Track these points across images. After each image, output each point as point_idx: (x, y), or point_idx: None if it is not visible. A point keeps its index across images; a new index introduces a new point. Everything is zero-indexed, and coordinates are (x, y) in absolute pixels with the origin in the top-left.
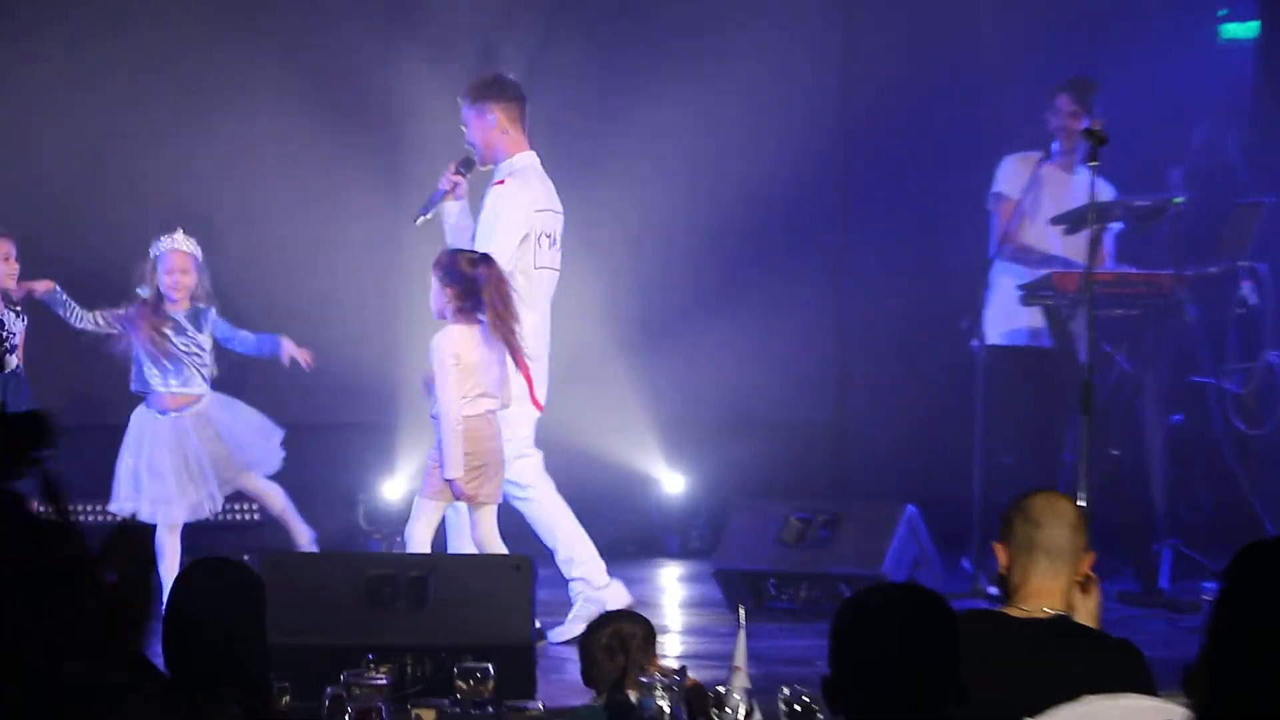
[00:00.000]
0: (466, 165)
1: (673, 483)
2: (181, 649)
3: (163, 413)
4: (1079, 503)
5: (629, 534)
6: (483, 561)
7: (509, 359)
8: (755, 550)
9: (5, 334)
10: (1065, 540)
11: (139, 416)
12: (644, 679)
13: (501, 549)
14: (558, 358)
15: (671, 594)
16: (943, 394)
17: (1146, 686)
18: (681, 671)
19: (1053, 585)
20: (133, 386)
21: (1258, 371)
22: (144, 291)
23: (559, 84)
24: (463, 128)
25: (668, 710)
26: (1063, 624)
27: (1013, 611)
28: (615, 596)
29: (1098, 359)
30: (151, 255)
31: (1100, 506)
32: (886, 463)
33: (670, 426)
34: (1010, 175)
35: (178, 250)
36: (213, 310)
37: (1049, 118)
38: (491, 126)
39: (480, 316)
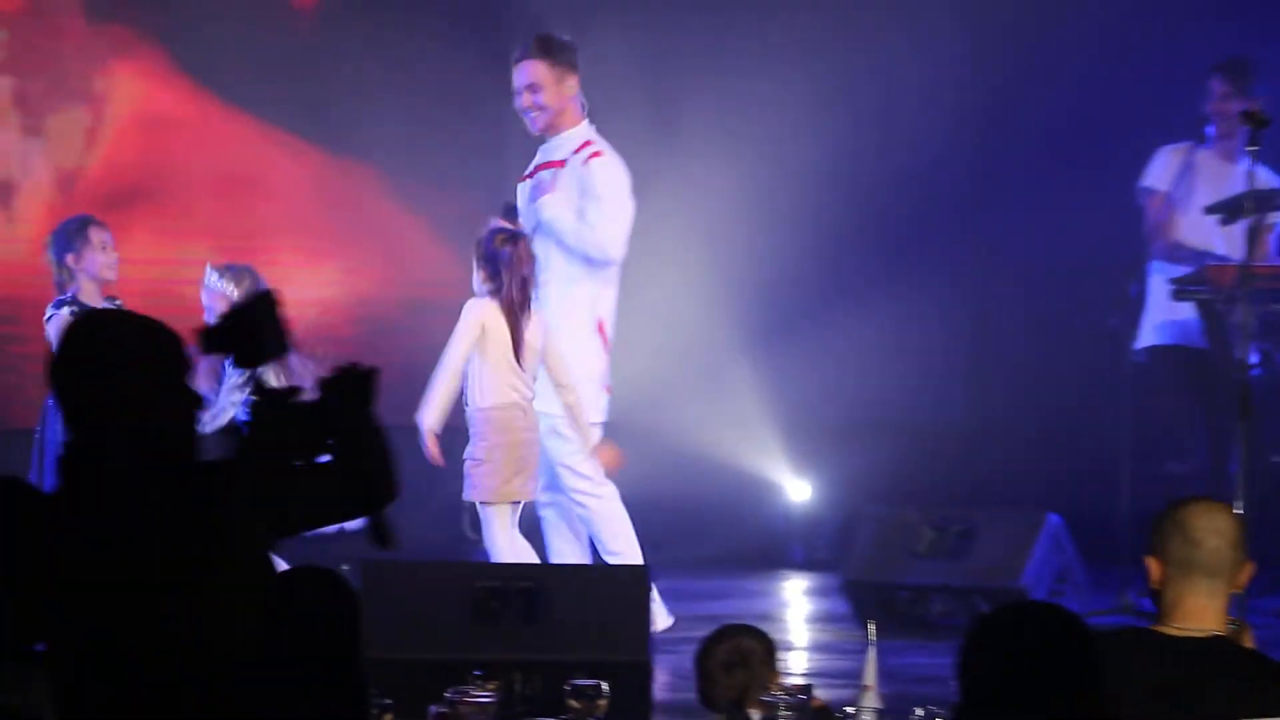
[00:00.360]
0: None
1: (798, 489)
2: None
3: None
4: (1236, 512)
5: (751, 544)
6: (596, 572)
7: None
8: (886, 561)
9: None
10: (1225, 557)
11: None
12: (766, 698)
13: (530, 554)
14: (672, 355)
15: (796, 608)
16: (1086, 395)
17: None
18: (806, 690)
19: (1211, 604)
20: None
21: None
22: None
23: (677, 62)
24: (523, 90)
25: None
26: (1222, 645)
27: (1168, 630)
28: (660, 615)
29: (1257, 358)
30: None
31: (1260, 516)
32: (1026, 468)
33: (795, 429)
34: (1160, 167)
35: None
36: None
37: (1203, 103)
38: (569, 92)
39: (512, 295)
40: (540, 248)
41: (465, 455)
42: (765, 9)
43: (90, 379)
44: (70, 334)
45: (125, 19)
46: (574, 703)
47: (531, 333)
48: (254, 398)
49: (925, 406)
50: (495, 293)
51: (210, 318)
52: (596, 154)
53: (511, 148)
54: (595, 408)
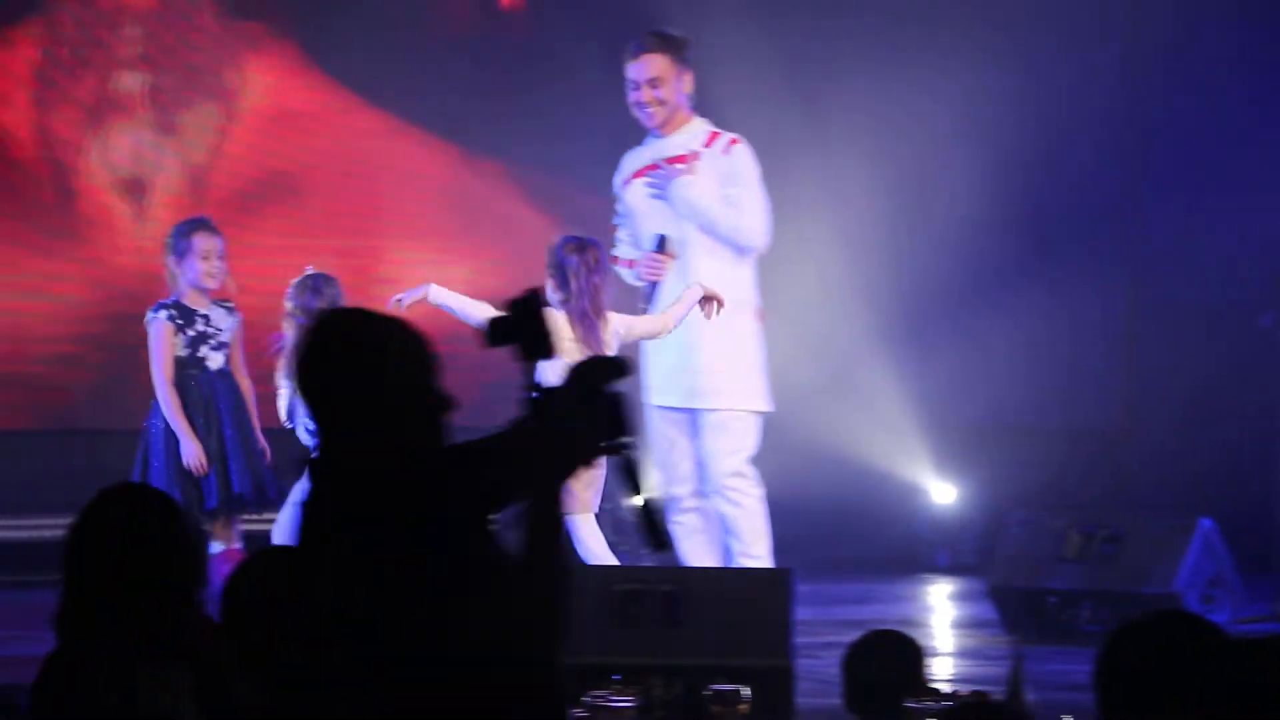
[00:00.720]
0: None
1: (943, 493)
2: None
3: None
4: None
5: (895, 547)
6: (739, 575)
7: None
8: (1033, 566)
9: (211, 330)
10: None
11: None
12: (912, 704)
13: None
14: (813, 355)
15: (941, 612)
16: (1238, 397)
17: None
18: (952, 696)
19: None
20: None
21: None
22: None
23: (824, 64)
24: (643, 84)
25: None
26: None
27: None
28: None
29: None
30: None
31: None
32: (1176, 471)
33: (939, 431)
34: None
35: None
36: None
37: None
38: (686, 88)
39: (582, 304)
40: (680, 232)
41: None
42: (916, 13)
43: (343, 380)
44: (318, 332)
45: (258, 14)
46: (714, 707)
47: (607, 340)
48: (533, 393)
49: (1072, 408)
50: (564, 302)
51: (292, 324)
52: (735, 140)
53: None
54: (762, 397)
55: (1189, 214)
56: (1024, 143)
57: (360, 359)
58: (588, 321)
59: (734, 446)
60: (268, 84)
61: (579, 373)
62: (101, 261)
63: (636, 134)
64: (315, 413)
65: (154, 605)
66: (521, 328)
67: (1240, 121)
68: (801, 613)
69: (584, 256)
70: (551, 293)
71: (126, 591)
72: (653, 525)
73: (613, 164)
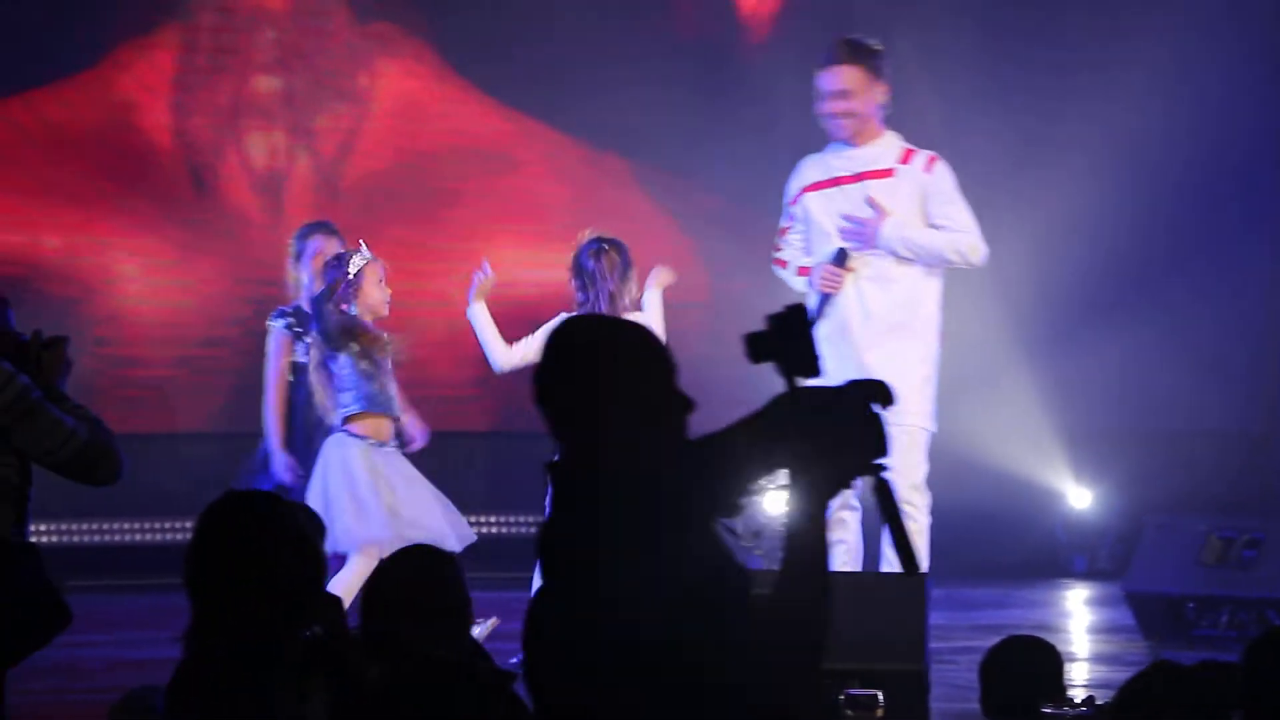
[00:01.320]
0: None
1: (1079, 497)
2: None
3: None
4: None
5: (1032, 552)
6: (876, 580)
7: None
8: (1172, 571)
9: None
10: None
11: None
12: (1051, 710)
13: None
14: (950, 361)
15: (1078, 618)
16: None
17: None
18: (1089, 702)
19: None
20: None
21: None
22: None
23: (969, 68)
24: (833, 95)
25: None
26: None
27: None
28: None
29: None
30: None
31: None
32: None
33: (1075, 436)
34: None
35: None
36: None
37: None
38: (879, 99)
39: (599, 307)
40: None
41: None
42: (1062, 23)
43: (580, 385)
44: (557, 338)
45: (391, 16)
46: (849, 712)
47: None
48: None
49: (1212, 412)
50: (582, 305)
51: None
52: (934, 158)
53: (773, 146)
54: (928, 414)
55: None
56: (1168, 148)
57: (607, 360)
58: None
59: (916, 462)
60: (400, 85)
61: (860, 392)
62: (240, 260)
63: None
64: (556, 411)
65: (284, 610)
66: (785, 344)
67: None
68: (936, 618)
69: (600, 262)
70: (577, 299)
71: (256, 598)
72: (906, 548)
73: (740, 169)
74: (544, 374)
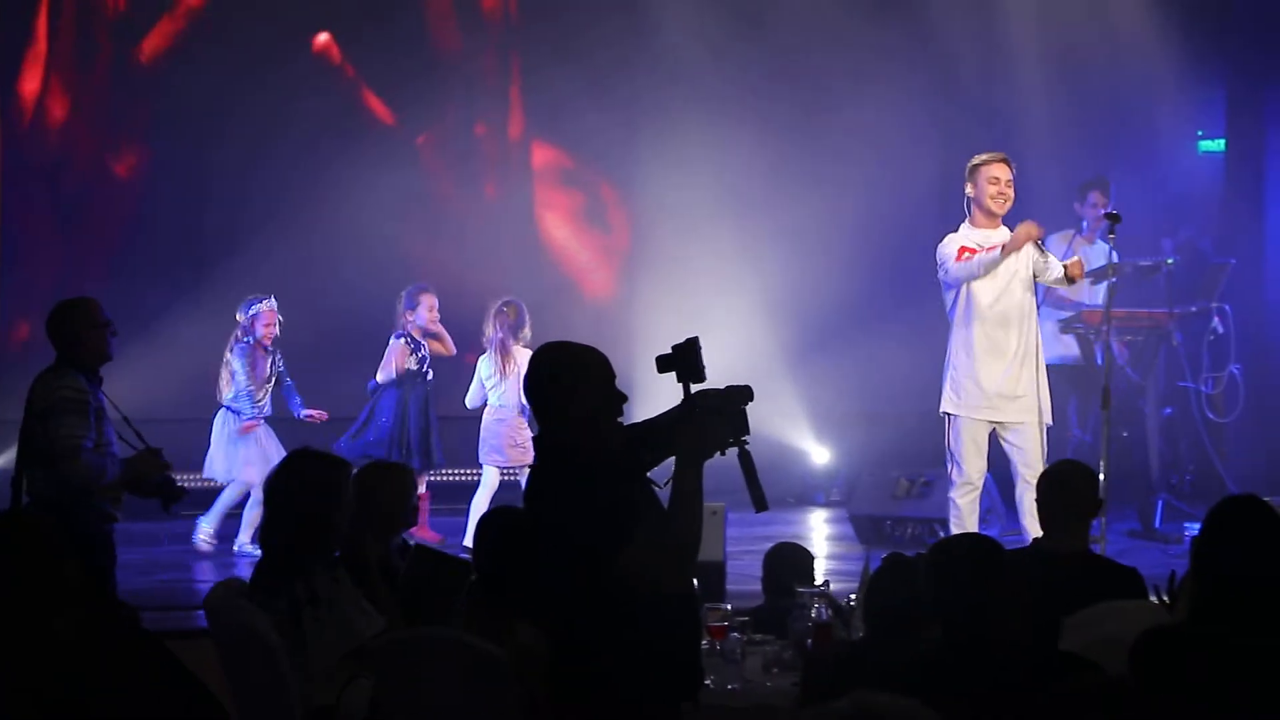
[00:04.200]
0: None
1: (820, 454)
2: None
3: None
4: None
5: (792, 489)
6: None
7: None
8: (877, 501)
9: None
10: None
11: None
12: (802, 589)
13: None
14: (743, 363)
15: (820, 531)
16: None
17: (1143, 595)
18: (825, 584)
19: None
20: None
21: (1224, 379)
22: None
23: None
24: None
25: (813, 614)
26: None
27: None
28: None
29: (1113, 370)
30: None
31: (1114, 471)
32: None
33: (819, 412)
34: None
35: (273, 309)
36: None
37: (1082, 206)
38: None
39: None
40: None
41: None
42: (831, 42)
43: (549, 387)
44: (536, 358)
45: None
46: None
47: (510, 371)
48: (690, 403)
49: (909, 399)
50: (489, 340)
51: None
52: None
53: None
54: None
55: None
56: (901, 179)
57: (569, 374)
58: (504, 358)
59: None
60: None
61: (725, 393)
62: None
63: None
64: (538, 408)
65: (325, 527)
66: (680, 362)
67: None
68: (733, 531)
69: (498, 317)
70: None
71: (309, 519)
72: (756, 492)
73: None
74: (529, 381)
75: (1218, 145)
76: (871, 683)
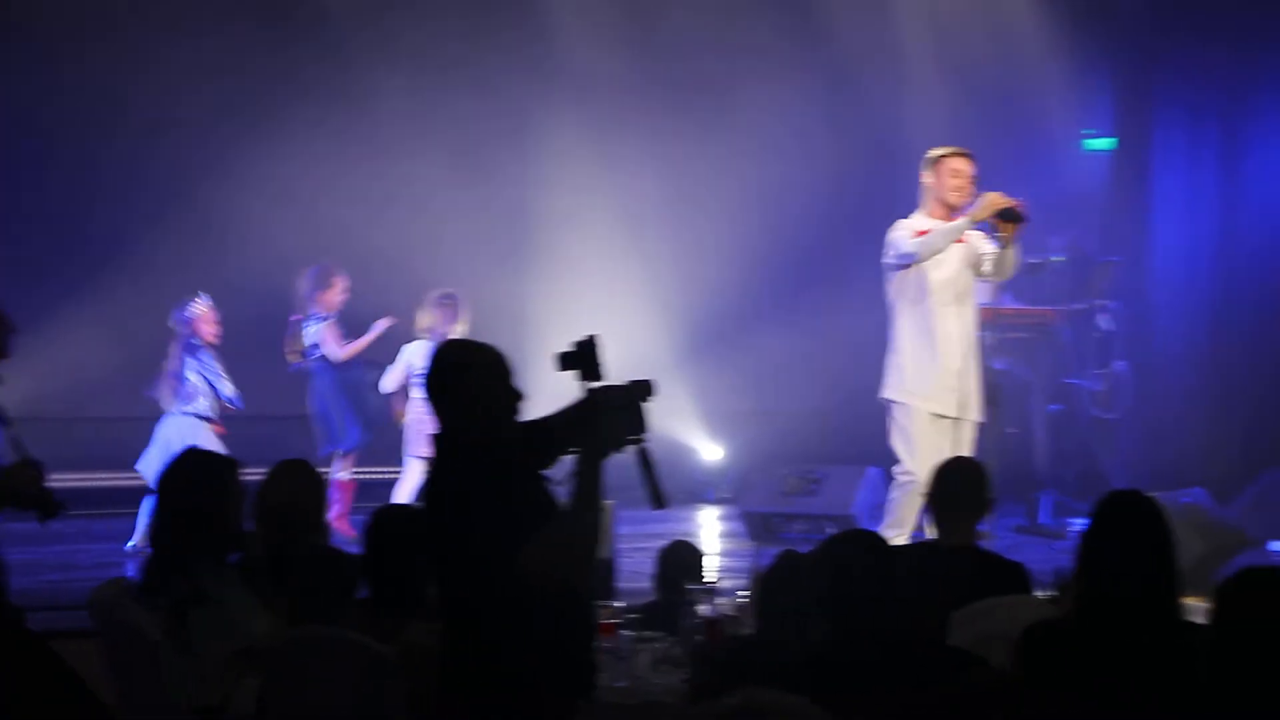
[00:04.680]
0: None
1: (712, 452)
2: None
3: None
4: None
5: (683, 486)
6: None
7: None
8: (767, 497)
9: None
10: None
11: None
12: (692, 585)
13: None
14: (636, 362)
15: (710, 527)
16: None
17: (1029, 590)
18: (715, 580)
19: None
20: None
21: (1110, 376)
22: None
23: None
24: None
25: (703, 610)
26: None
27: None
28: None
29: (1001, 367)
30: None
31: (1002, 467)
32: (860, 436)
33: (711, 412)
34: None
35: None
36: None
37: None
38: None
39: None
40: None
41: None
42: (723, 47)
43: (442, 385)
44: (435, 356)
45: None
46: None
47: None
48: (591, 400)
49: (796, 397)
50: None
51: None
52: None
53: None
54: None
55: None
56: (797, 183)
57: (470, 371)
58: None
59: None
60: None
61: (626, 389)
62: None
63: None
64: (438, 404)
65: (213, 526)
66: (580, 360)
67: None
68: (620, 529)
69: (438, 308)
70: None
71: (197, 517)
72: (654, 490)
73: None
74: (428, 378)
75: (1104, 144)
76: (761, 679)
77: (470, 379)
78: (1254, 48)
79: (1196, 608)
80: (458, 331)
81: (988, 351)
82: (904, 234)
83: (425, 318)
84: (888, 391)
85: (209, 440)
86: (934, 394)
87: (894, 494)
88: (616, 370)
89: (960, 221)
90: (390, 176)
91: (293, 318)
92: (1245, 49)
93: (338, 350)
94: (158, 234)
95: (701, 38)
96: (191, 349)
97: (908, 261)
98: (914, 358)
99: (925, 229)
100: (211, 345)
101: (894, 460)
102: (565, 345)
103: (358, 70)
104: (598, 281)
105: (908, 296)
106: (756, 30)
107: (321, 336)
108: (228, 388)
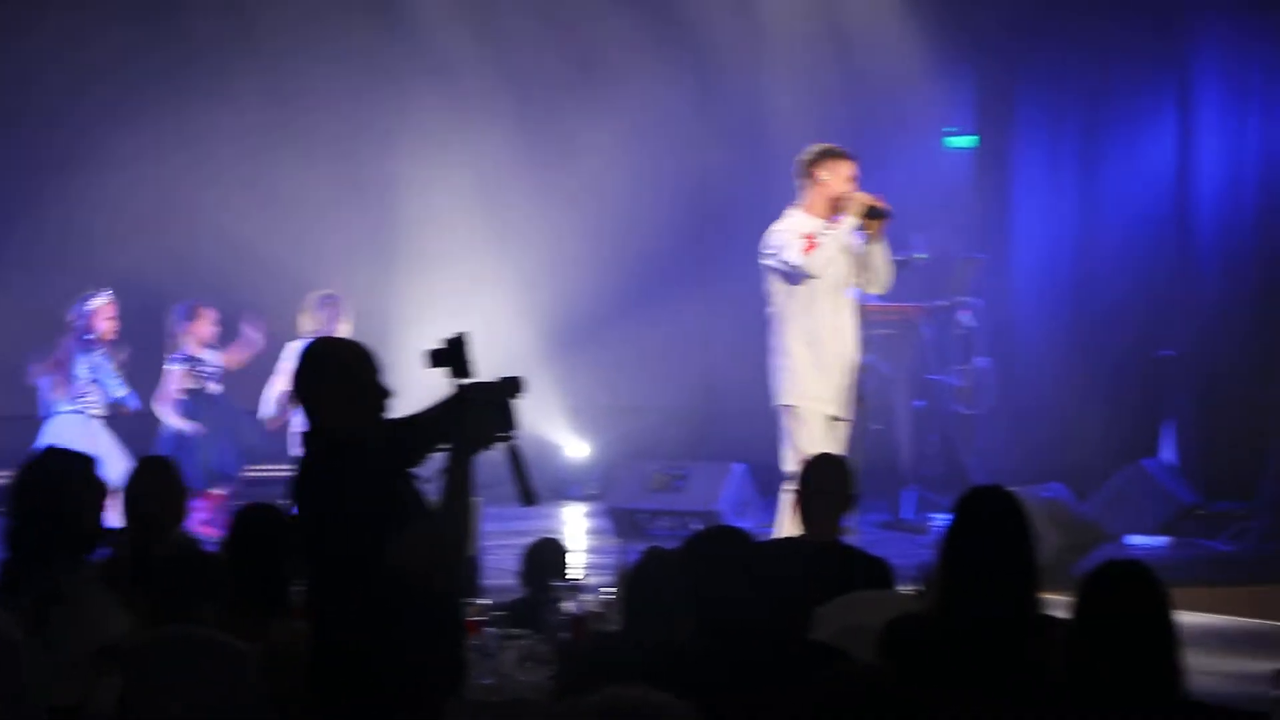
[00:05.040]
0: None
1: (578, 448)
2: None
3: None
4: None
5: (547, 484)
6: None
7: None
8: (633, 494)
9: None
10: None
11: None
12: (558, 582)
13: None
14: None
15: (575, 524)
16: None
17: (893, 585)
18: (579, 577)
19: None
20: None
21: (971, 372)
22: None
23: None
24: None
25: (569, 607)
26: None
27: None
28: None
29: (866, 363)
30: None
31: (865, 463)
32: (726, 432)
33: (579, 408)
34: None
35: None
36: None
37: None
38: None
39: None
40: None
41: None
42: (596, 64)
43: (310, 383)
44: (303, 355)
45: None
46: None
47: None
48: (460, 396)
49: (663, 393)
50: (313, 334)
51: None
52: None
53: None
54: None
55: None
56: (667, 188)
57: (337, 368)
58: None
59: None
60: None
61: (497, 385)
62: None
63: None
64: (305, 402)
65: (71, 524)
66: (450, 357)
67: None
68: (489, 525)
69: (323, 309)
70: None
71: (55, 516)
72: (525, 487)
73: None
74: (296, 375)
75: (966, 141)
76: (626, 676)
77: (338, 376)
78: (1111, 49)
79: (1055, 601)
80: (342, 332)
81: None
82: (790, 238)
83: (307, 320)
84: (785, 398)
85: (98, 438)
86: (828, 396)
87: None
88: (484, 367)
89: (846, 226)
90: (257, 177)
91: (168, 356)
92: (1102, 51)
93: (170, 396)
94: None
95: (569, 29)
96: (85, 345)
97: (804, 277)
98: (807, 361)
99: (809, 231)
100: (108, 342)
101: (779, 462)
102: (435, 342)
103: (216, 65)
104: (465, 279)
105: (798, 300)
106: (623, 22)
107: (163, 382)
108: (118, 388)
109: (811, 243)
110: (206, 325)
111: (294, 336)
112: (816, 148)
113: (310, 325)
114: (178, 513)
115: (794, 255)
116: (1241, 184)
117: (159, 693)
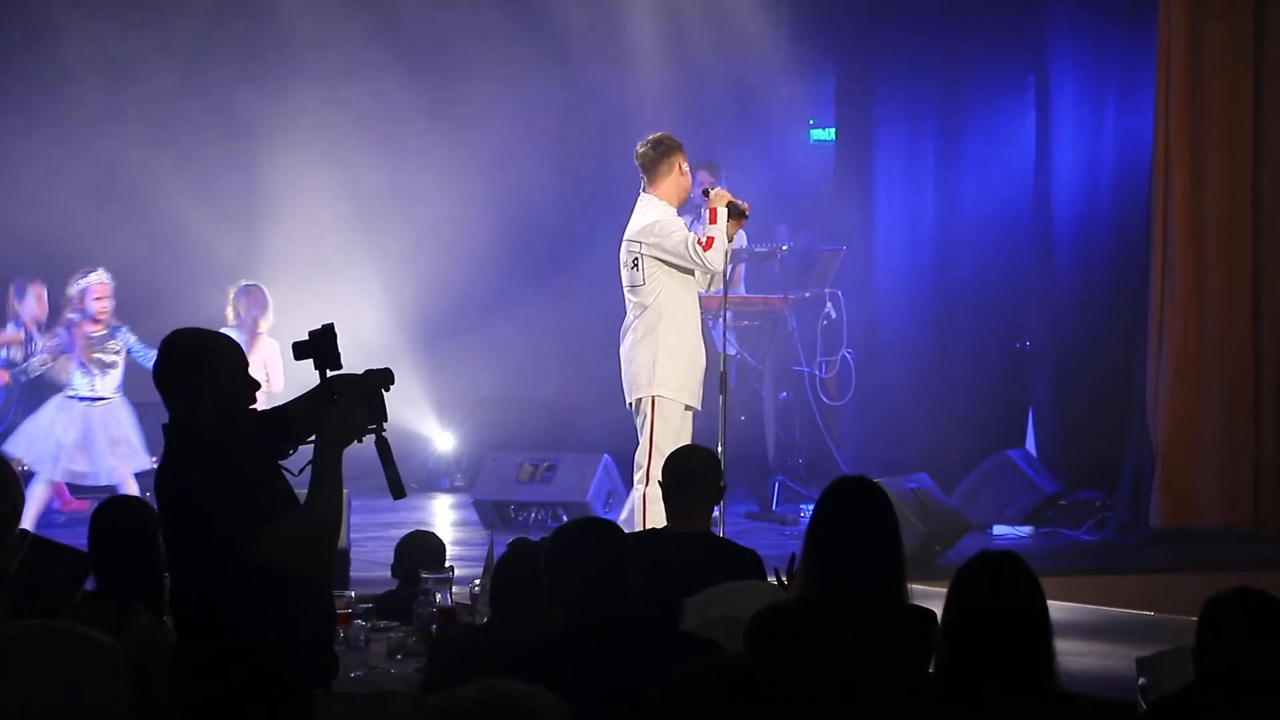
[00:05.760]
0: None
1: (444, 440)
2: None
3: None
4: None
5: (415, 476)
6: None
7: None
8: (502, 485)
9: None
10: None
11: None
12: (428, 574)
13: None
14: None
15: (444, 516)
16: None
17: (761, 576)
18: (450, 569)
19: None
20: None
21: (836, 363)
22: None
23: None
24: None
25: (439, 600)
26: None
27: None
28: None
29: (731, 355)
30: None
31: (732, 454)
32: (590, 423)
33: (444, 400)
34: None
35: (104, 282)
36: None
37: (692, 189)
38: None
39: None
40: None
41: None
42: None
43: (175, 374)
44: (164, 344)
45: None
46: None
47: (258, 353)
48: (328, 388)
49: (526, 386)
50: (237, 328)
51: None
52: None
53: None
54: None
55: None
56: (527, 181)
57: (201, 360)
58: (252, 340)
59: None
60: None
61: (365, 377)
62: None
63: None
64: (168, 394)
65: None
66: (317, 348)
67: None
68: (355, 519)
69: (245, 299)
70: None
71: None
72: (394, 481)
73: None
74: (159, 367)
75: (829, 134)
76: (495, 668)
77: (202, 368)
78: (970, 40)
79: (922, 592)
80: (267, 321)
81: (717, 339)
82: (684, 235)
83: (230, 310)
84: (657, 389)
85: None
86: (691, 388)
87: (650, 495)
88: (350, 360)
89: (723, 220)
90: (114, 171)
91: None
92: (961, 42)
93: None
94: None
95: (431, 22)
96: (68, 322)
97: (705, 271)
98: (677, 352)
99: (682, 222)
100: (97, 322)
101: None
102: (301, 334)
103: (63, 61)
104: (327, 269)
105: (672, 293)
106: (483, 14)
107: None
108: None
109: (711, 242)
110: (34, 302)
111: (220, 326)
112: (669, 137)
113: (233, 316)
114: (12, 508)
115: (695, 250)
116: (1098, 174)
117: (18, 688)
